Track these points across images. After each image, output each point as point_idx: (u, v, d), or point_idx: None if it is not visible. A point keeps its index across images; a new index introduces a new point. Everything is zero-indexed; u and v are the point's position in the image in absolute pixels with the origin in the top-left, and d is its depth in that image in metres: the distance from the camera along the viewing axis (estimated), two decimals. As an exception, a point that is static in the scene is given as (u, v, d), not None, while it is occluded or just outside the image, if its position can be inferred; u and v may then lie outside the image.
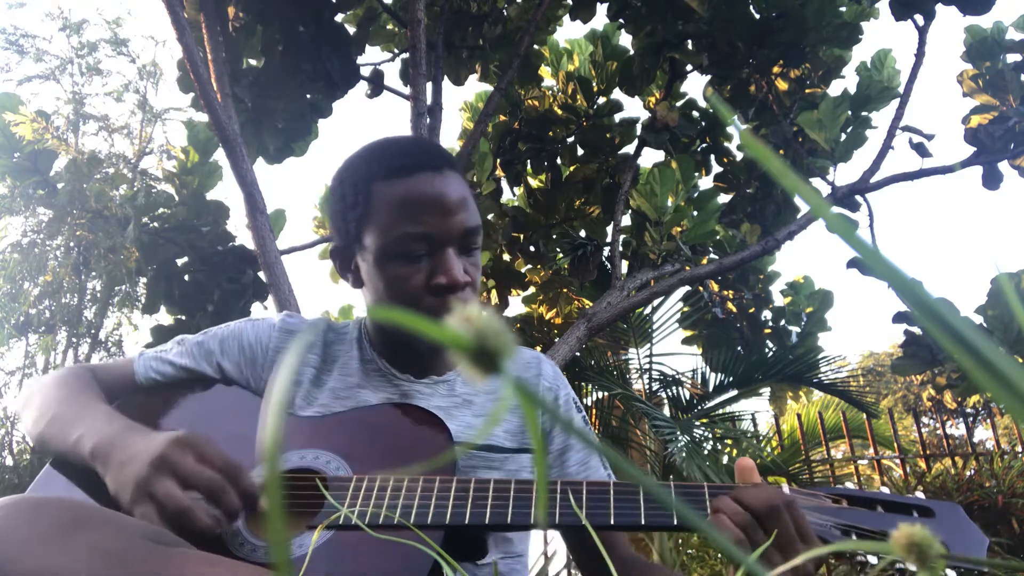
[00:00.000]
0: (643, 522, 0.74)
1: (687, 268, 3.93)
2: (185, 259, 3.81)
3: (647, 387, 3.99)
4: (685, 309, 4.48)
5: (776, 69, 4.06)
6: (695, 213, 4.32)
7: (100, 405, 0.88)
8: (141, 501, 0.71)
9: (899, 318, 4.05)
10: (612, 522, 0.74)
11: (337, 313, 5.13)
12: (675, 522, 0.74)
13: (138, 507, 0.71)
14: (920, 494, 0.78)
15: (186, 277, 3.80)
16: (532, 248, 4.83)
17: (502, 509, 0.76)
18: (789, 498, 0.72)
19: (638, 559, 0.97)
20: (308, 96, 3.85)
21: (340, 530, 0.76)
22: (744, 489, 0.74)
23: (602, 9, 4.15)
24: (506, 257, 4.83)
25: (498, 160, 4.65)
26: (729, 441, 3.82)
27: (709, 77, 4.15)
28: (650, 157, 6.69)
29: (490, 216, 4.61)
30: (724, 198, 4.65)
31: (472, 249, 0.94)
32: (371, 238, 0.91)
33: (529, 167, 4.78)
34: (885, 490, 0.78)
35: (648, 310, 4.02)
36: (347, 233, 0.95)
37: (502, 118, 4.69)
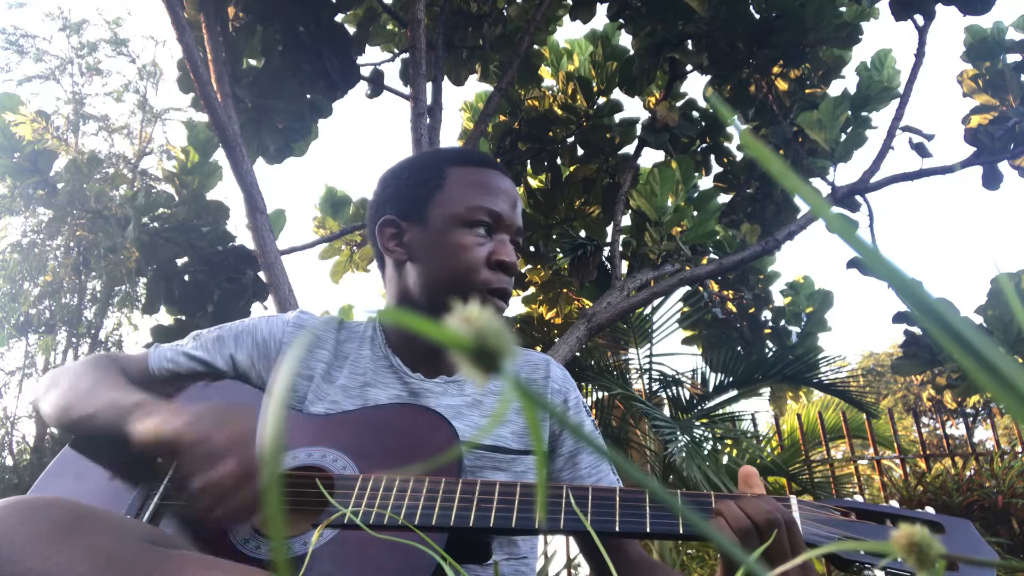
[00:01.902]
0: (648, 530, 0.74)
1: (687, 268, 3.93)
2: (185, 259, 3.81)
3: (647, 387, 3.99)
4: (685, 309, 4.47)
5: (776, 69, 4.06)
6: (695, 213, 4.31)
7: (140, 389, 0.91)
8: (200, 448, 0.74)
9: (899, 318, 4.05)
10: (617, 529, 0.74)
11: (337, 313, 5.14)
12: (680, 531, 0.74)
13: (195, 451, 0.74)
14: (930, 509, 0.77)
15: (186, 277, 3.79)
16: (532, 248, 4.83)
17: (507, 513, 0.76)
18: (789, 517, 0.73)
19: (645, 559, 0.98)
20: (308, 96, 3.85)
21: (345, 529, 0.76)
22: (750, 499, 0.75)
23: (602, 9, 4.15)
24: (506, 257, 4.82)
25: (498, 160, 4.64)
26: (729, 441, 3.82)
27: (709, 77, 4.14)
28: (650, 157, 6.69)
29: (490, 216, 4.60)
30: (724, 198, 4.64)
31: (516, 248, 1.01)
32: (440, 209, 0.98)
33: (529, 167, 4.78)
34: (894, 503, 0.77)
35: (648, 310, 4.02)
36: (411, 205, 1.00)
37: (502, 118, 4.69)
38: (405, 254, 1.00)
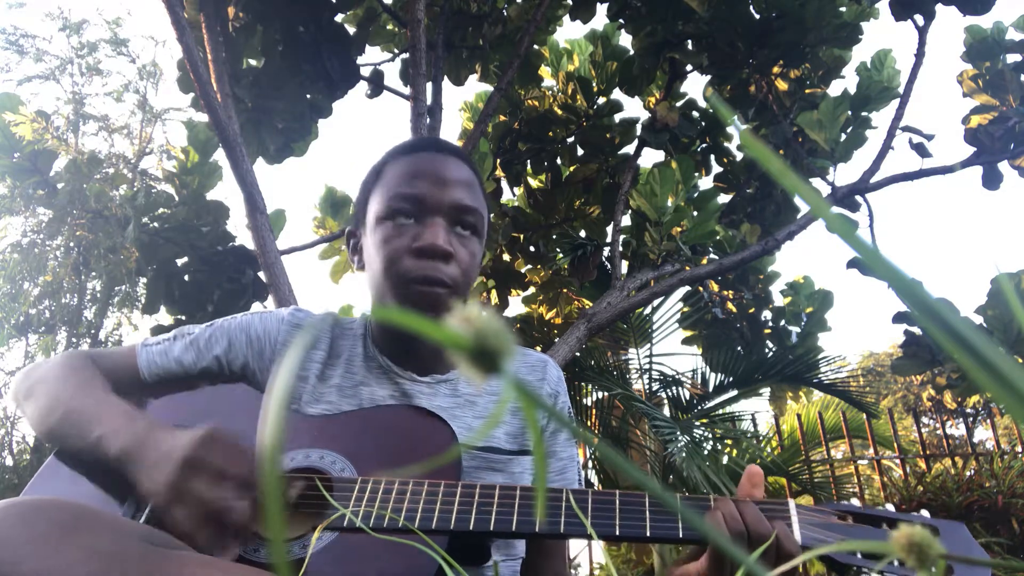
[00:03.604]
0: (648, 534, 0.74)
1: (687, 268, 3.93)
2: (185, 259, 3.81)
3: (647, 387, 3.99)
4: (685, 309, 4.47)
5: (776, 69, 4.05)
6: (695, 213, 4.31)
7: (114, 400, 0.88)
8: (175, 503, 0.72)
9: (899, 318, 4.05)
10: (618, 533, 0.74)
11: (337, 313, 5.13)
12: (680, 535, 0.74)
13: (173, 509, 0.72)
14: (925, 512, 0.78)
15: (186, 277, 3.79)
16: (532, 248, 4.82)
17: (507, 517, 0.76)
18: (782, 537, 0.72)
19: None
20: (308, 96, 3.85)
21: (345, 532, 0.76)
22: (749, 506, 0.74)
23: (602, 9, 4.15)
24: (506, 257, 4.83)
25: (498, 160, 4.64)
26: (729, 441, 3.82)
27: (709, 77, 4.14)
28: (650, 157, 6.69)
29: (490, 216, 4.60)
30: (724, 198, 4.64)
31: (466, 227, 0.95)
32: (371, 210, 0.97)
33: (529, 167, 4.78)
34: (890, 507, 0.77)
35: (648, 310, 4.02)
36: (358, 212, 1.01)
37: (502, 118, 4.69)
38: (361, 262, 1.00)
